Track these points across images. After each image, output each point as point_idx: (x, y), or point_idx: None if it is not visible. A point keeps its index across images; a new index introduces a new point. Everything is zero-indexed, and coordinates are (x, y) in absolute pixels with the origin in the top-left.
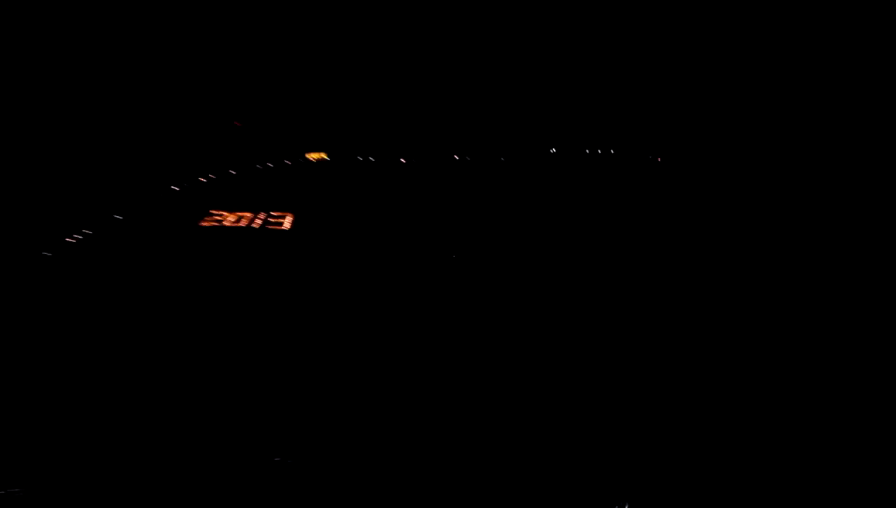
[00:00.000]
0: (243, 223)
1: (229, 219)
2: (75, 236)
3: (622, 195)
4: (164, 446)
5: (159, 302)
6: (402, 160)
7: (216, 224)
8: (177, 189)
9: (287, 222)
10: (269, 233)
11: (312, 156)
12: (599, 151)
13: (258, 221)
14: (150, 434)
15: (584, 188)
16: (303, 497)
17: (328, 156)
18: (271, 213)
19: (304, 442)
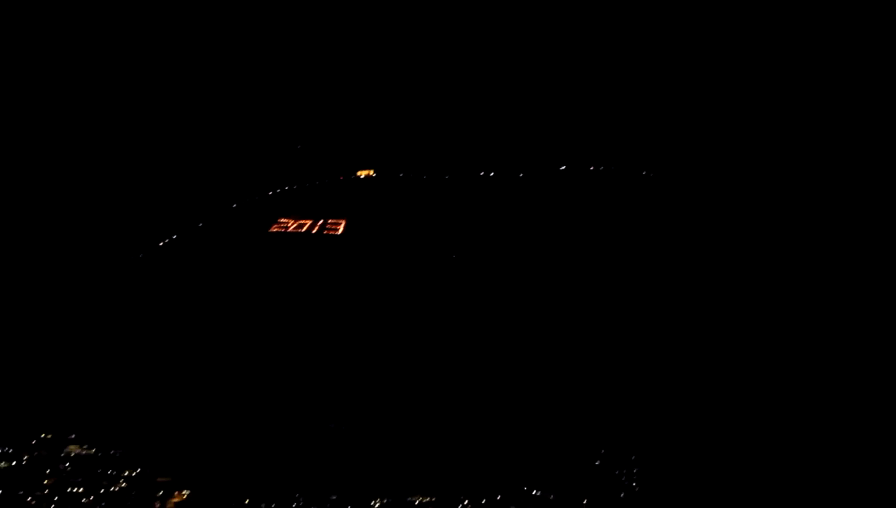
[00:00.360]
0: (304, 228)
1: (293, 225)
2: (170, 239)
3: (621, 205)
4: (241, 415)
5: (240, 292)
6: (436, 176)
7: (283, 229)
8: (249, 200)
9: (341, 227)
10: (325, 237)
11: (362, 173)
12: (602, 168)
13: (316, 227)
14: (230, 404)
15: (588, 199)
16: (350, 457)
17: (375, 173)
18: (328, 220)
19: (354, 409)
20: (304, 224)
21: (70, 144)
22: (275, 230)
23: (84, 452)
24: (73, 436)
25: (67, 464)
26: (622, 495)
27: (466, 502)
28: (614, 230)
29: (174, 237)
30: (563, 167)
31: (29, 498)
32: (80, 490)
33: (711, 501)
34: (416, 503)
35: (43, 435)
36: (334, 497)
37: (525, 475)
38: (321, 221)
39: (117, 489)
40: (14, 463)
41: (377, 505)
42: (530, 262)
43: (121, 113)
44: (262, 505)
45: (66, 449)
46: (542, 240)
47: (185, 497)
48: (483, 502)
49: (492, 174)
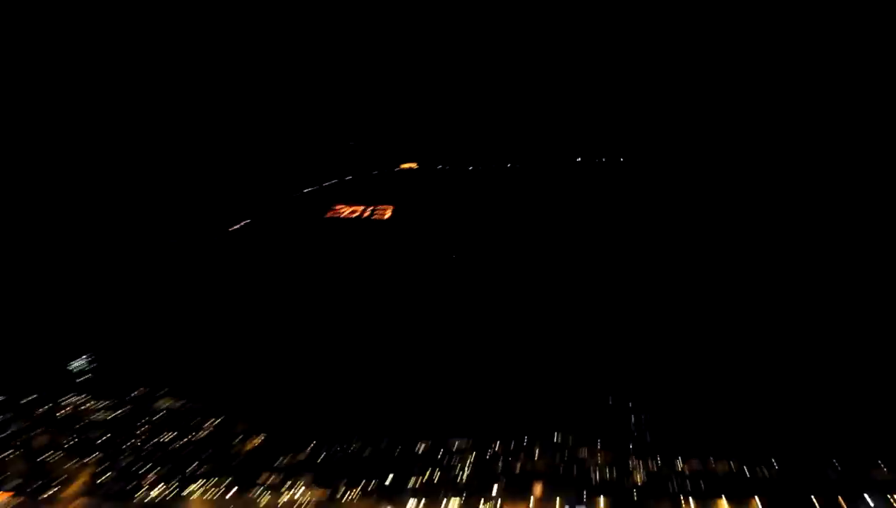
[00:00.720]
0: (356, 214)
1: (346, 211)
2: (243, 222)
3: (634, 196)
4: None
5: (301, 269)
6: (469, 168)
7: (337, 215)
8: (309, 190)
9: (387, 213)
10: (374, 222)
11: (406, 165)
12: (611, 159)
13: (367, 213)
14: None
15: (603, 191)
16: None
17: (417, 166)
18: (376, 207)
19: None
20: (356, 210)
21: (165, 145)
22: (330, 215)
23: (173, 404)
24: (165, 391)
25: (160, 414)
26: (629, 435)
27: (498, 444)
28: (624, 212)
29: (245, 222)
30: (579, 159)
31: (127, 444)
32: (171, 436)
33: (700, 435)
34: (455, 446)
35: (139, 390)
36: (386, 441)
37: (547, 421)
38: (371, 208)
39: (203, 435)
40: (115, 414)
41: (422, 448)
42: (552, 242)
43: (207, 119)
44: (325, 447)
45: (157, 403)
46: (561, 221)
47: (260, 441)
48: (512, 444)
49: (517, 165)
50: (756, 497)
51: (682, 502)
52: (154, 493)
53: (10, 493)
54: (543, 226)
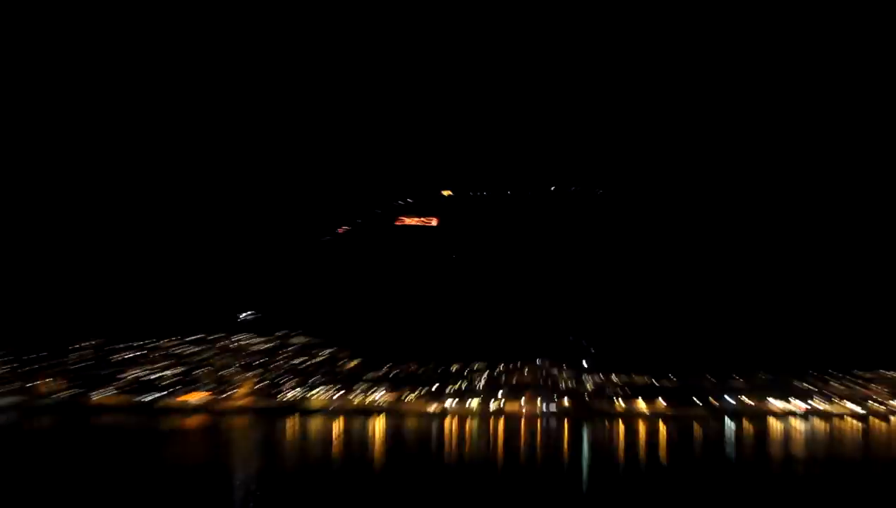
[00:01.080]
0: (413, 223)
1: (407, 221)
2: (344, 227)
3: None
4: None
5: (379, 256)
6: (484, 193)
7: (401, 223)
8: (385, 209)
9: (434, 222)
10: (425, 228)
11: (445, 192)
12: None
13: (420, 222)
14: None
15: (564, 209)
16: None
17: (452, 193)
18: (427, 219)
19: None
20: (414, 220)
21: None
22: (398, 224)
23: (303, 340)
24: (298, 331)
25: (293, 347)
26: (583, 357)
27: (502, 365)
28: (595, 228)
29: (345, 227)
30: (553, 187)
31: (274, 364)
32: (300, 360)
33: (626, 361)
34: (475, 367)
35: (281, 332)
36: (433, 363)
37: (531, 349)
38: (423, 219)
39: (320, 360)
40: (263, 347)
41: (455, 368)
42: (540, 245)
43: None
44: (396, 368)
45: (293, 339)
46: (546, 232)
47: (356, 363)
48: (510, 366)
49: (511, 192)
50: (660, 398)
51: (615, 401)
52: (290, 395)
53: (208, 393)
54: (542, 232)
